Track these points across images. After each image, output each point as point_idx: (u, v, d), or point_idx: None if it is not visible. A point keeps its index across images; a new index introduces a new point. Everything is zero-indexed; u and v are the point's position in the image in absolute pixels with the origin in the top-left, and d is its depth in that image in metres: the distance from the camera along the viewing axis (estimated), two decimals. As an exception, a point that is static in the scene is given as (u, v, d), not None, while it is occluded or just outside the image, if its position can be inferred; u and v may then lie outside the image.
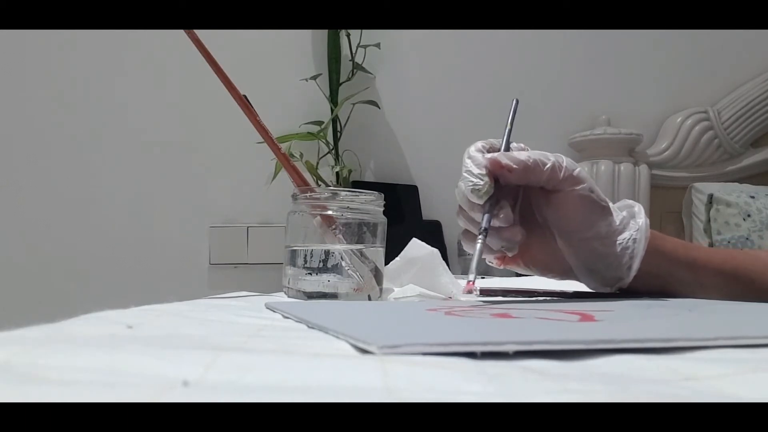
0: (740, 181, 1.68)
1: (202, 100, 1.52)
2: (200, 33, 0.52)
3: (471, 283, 0.40)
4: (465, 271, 1.70)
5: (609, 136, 1.60)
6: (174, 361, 0.18)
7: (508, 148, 0.48)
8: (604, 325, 0.28)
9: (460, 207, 0.48)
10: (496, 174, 0.45)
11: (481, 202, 0.45)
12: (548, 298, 0.50)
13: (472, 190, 0.44)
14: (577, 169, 0.46)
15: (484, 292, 0.55)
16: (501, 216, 0.45)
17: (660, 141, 1.72)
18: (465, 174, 0.46)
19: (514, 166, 0.45)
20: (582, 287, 0.52)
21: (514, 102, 0.52)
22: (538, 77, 1.72)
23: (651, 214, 1.60)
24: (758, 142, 1.75)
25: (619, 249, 0.47)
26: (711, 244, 1.55)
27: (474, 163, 0.46)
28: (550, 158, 0.46)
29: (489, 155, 0.46)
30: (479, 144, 0.48)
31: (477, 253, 0.43)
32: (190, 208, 1.56)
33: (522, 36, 1.70)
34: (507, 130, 0.50)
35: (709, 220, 1.57)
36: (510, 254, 0.49)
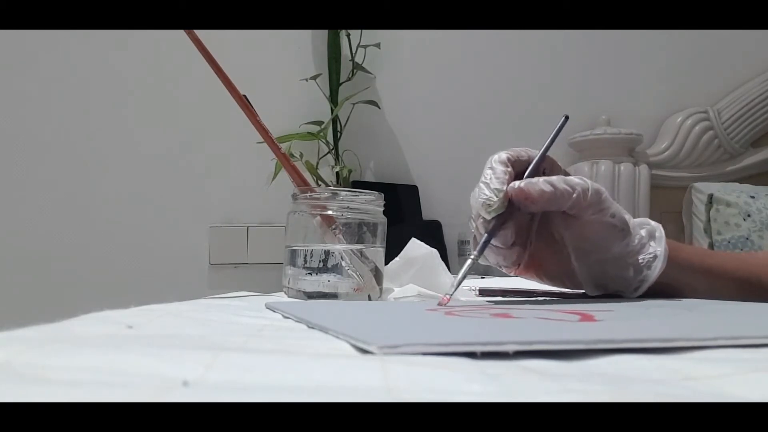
0: (740, 181, 1.68)
1: (202, 100, 1.52)
2: (200, 33, 0.52)
3: (447, 297, 0.39)
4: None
5: (609, 136, 1.60)
6: (174, 361, 0.18)
7: (537, 169, 0.46)
8: (604, 325, 0.28)
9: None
10: (519, 203, 0.44)
11: (488, 218, 0.44)
12: (548, 298, 0.50)
13: (483, 204, 0.43)
14: (603, 195, 0.45)
15: (484, 292, 0.55)
16: (499, 235, 0.44)
17: (660, 141, 1.72)
18: (481, 184, 0.44)
19: (537, 197, 0.43)
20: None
21: (563, 119, 0.49)
22: (537, 77, 1.71)
23: (651, 214, 1.60)
24: (758, 142, 1.75)
25: (632, 272, 0.46)
26: (711, 244, 1.55)
27: (494, 175, 0.44)
28: (576, 187, 0.43)
29: (518, 184, 0.43)
30: (504, 155, 0.46)
31: (463, 270, 0.42)
32: (190, 208, 1.56)
33: (522, 36, 1.70)
34: (543, 148, 0.47)
35: (709, 220, 1.57)
36: (504, 271, 0.48)
